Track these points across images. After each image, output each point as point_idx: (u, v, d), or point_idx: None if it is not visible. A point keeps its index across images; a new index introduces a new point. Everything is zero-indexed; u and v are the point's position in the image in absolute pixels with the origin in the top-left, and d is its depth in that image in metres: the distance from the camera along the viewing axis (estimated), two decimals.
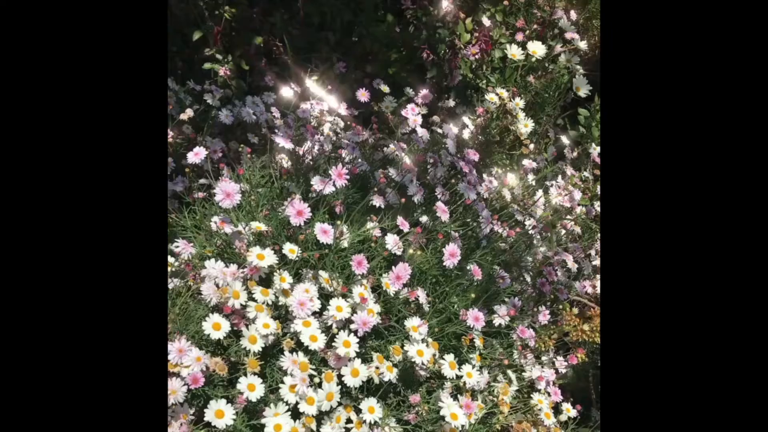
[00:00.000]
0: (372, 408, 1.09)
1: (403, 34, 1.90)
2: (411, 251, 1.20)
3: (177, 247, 1.19)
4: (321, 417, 1.09)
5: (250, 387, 1.05)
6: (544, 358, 1.30)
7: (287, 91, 1.77)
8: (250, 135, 1.59)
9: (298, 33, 1.91)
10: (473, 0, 1.93)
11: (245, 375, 1.06)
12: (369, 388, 1.13)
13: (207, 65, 1.80)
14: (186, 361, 1.04)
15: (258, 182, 1.35)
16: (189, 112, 1.61)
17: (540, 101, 1.79)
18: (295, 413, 1.06)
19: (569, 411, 1.25)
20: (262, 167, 1.39)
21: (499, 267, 1.30)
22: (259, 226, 1.18)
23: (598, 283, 1.49)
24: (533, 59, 1.73)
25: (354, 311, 1.12)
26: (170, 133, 1.55)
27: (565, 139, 1.81)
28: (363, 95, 1.74)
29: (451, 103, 1.78)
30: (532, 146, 1.63)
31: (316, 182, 1.23)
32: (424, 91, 1.76)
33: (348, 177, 1.23)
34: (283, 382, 1.07)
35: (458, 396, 1.14)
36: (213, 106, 1.62)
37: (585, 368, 1.41)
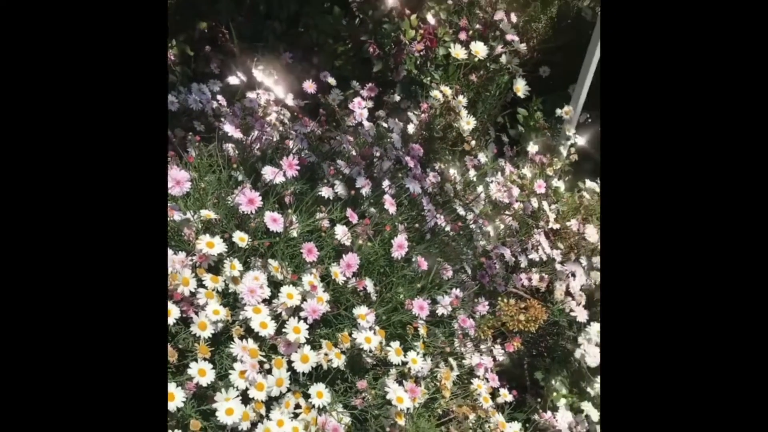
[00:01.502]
0: (320, 393, 1.12)
1: (350, 27, 1.93)
2: (360, 242, 1.23)
3: None
4: (270, 402, 1.11)
5: (201, 372, 1.05)
6: (482, 346, 1.36)
7: (233, 80, 1.77)
8: (196, 123, 1.58)
9: (244, 21, 1.91)
10: None
11: (195, 361, 1.07)
12: (318, 375, 1.15)
13: None
14: None
15: (206, 170, 1.35)
16: None
17: (481, 99, 1.85)
18: (246, 399, 1.08)
19: (506, 396, 1.32)
20: (209, 155, 1.39)
21: (443, 259, 1.35)
22: (208, 214, 1.18)
23: (534, 276, 1.57)
24: (476, 59, 1.78)
25: (304, 299, 1.15)
26: None
27: (504, 138, 1.88)
28: (310, 87, 1.75)
29: (397, 97, 1.82)
30: (473, 143, 1.69)
31: (266, 172, 1.24)
32: (369, 85, 1.79)
33: (298, 167, 1.25)
34: (233, 369, 1.08)
35: (403, 382, 1.18)
36: None
37: (521, 356, 1.48)
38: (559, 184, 1.76)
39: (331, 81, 1.79)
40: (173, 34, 1.85)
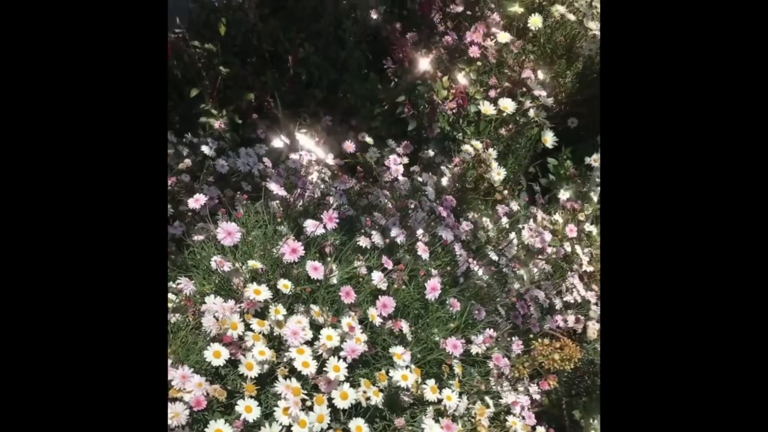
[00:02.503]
0: (360, 428, 1.18)
1: (385, 91, 2.06)
2: (395, 286, 1.31)
3: (179, 284, 1.29)
4: None
5: (248, 409, 1.14)
6: (519, 385, 1.40)
7: (278, 143, 1.90)
8: (244, 183, 1.71)
9: (287, 90, 2.06)
10: (449, 60, 2.10)
11: (243, 398, 1.15)
12: (357, 412, 1.22)
13: (203, 119, 1.94)
14: (188, 386, 1.13)
15: (253, 225, 1.46)
16: (187, 162, 1.73)
17: (511, 152, 1.94)
18: None
19: None
20: (256, 212, 1.51)
21: (476, 302, 1.42)
22: (255, 264, 1.29)
23: (569, 318, 1.61)
24: (504, 114, 1.88)
25: (343, 340, 1.22)
26: (169, 181, 1.67)
27: (535, 186, 1.95)
28: (348, 147, 1.88)
29: (430, 153, 1.92)
30: (505, 192, 1.77)
31: (308, 225, 1.35)
32: (405, 143, 1.91)
33: (338, 220, 1.35)
34: (277, 406, 1.16)
35: (440, 419, 1.24)
36: (209, 156, 1.74)
37: (559, 396, 1.51)
38: (592, 228, 1.82)
39: (369, 140, 1.91)
40: (224, 104, 2.01)
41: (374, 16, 2.12)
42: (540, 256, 1.71)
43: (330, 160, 1.88)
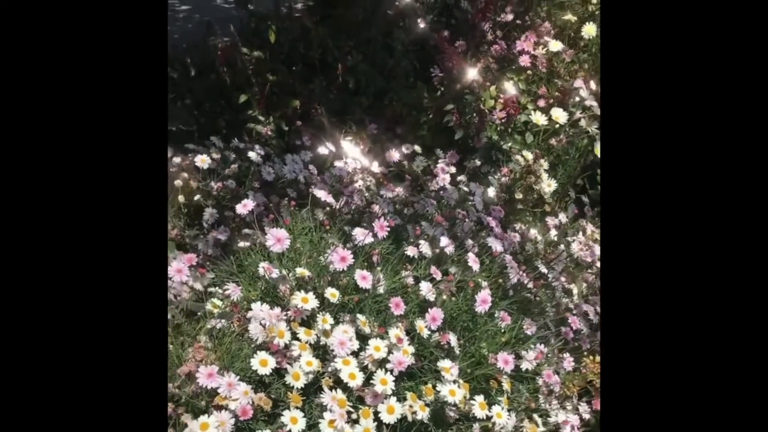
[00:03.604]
0: None
1: (432, 100, 2.04)
2: (444, 297, 1.28)
3: (227, 290, 1.28)
4: None
5: (293, 420, 1.12)
6: (567, 404, 1.36)
7: (323, 150, 1.90)
8: (289, 190, 1.71)
9: (334, 97, 2.06)
10: (497, 69, 2.07)
11: (288, 409, 1.13)
12: (402, 428, 1.19)
13: (250, 125, 1.95)
14: (234, 394, 1.12)
15: (299, 233, 1.45)
16: (233, 168, 1.74)
17: (561, 162, 1.90)
18: None
19: None
20: (302, 219, 1.50)
21: (525, 316, 1.38)
22: (303, 271, 1.27)
23: None
24: (556, 125, 1.84)
25: (390, 352, 1.20)
26: (215, 186, 1.67)
27: (584, 198, 1.91)
28: (393, 155, 1.86)
29: (477, 163, 1.89)
30: (554, 204, 1.73)
31: (357, 233, 1.33)
32: (451, 152, 1.88)
33: (388, 228, 1.33)
34: (322, 418, 1.14)
35: None
36: (255, 162, 1.74)
37: None
38: None
39: (417, 148, 1.89)
40: (270, 111, 2.02)
41: (422, 25, 2.11)
42: (589, 270, 1.66)
43: (375, 168, 1.86)
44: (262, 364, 1.15)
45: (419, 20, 2.11)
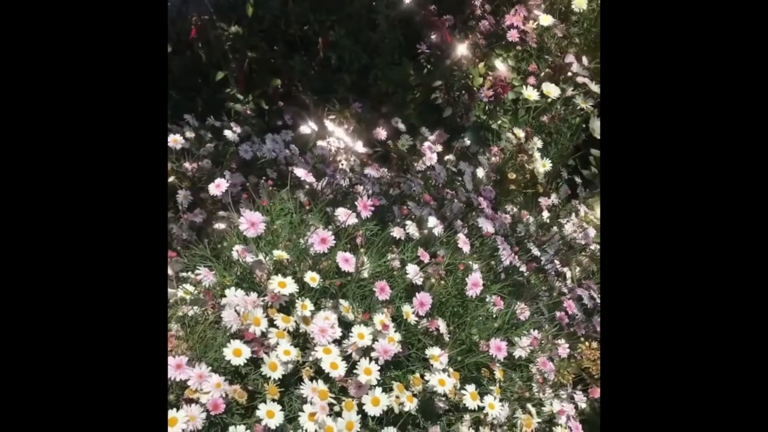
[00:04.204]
0: None
1: (418, 77, 1.95)
2: (432, 281, 1.20)
3: (198, 275, 1.20)
4: None
5: (269, 414, 1.03)
6: (562, 392, 1.28)
7: (305, 129, 1.81)
8: (269, 170, 1.62)
9: (316, 75, 1.96)
10: (486, 45, 1.98)
11: (265, 402, 1.05)
12: (388, 419, 1.11)
13: (228, 104, 1.85)
14: (205, 387, 1.03)
15: (278, 214, 1.36)
16: (209, 147, 1.64)
17: (553, 141, 1.82)
18: None
19: None
20: (281, 200, 1.41)
21: (517, 300, 1.30)
22: (281, 254, 1.19)
23: None
24: (548, 100, 1.76)
25: (375, 339, 1.12)
26: (189, 167, 1.58)
27: (577, 179, 1.83)
28: (379, 134, 1.77)
29: (466, 142, 1.81)
30: (545, 184, 1.66)
31: (340, 213, 1.24)
32: (438, 131, 1.80)
33: (372, 209, 1.25)
34: (302, 411, 1.06)
35: (479, 428, 1.12)
36: (232, 141, 1.65)
37: None
38: None
39: (401, 127, 1.80)
40: (250, 89, 1.92)
41: None
42: (583, 253, 1.58)
43: (359, 148, 1.78)
44: (236, 353, 1.06)
45: None
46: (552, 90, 1.77)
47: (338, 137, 1.79)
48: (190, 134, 1.64)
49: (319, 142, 1.73)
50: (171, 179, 1.58)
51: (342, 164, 1.66)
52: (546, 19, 1.90)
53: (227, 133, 1.65)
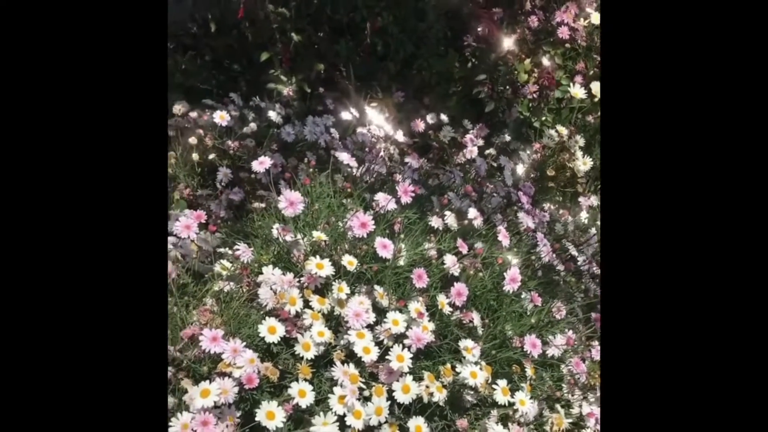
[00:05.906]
0: (419, 427, 1.07)
1: (463, 70, 1.93)
2: (470, 273, 1.19)
3: (237, 250, 1.20)
4: None
5: (301, 393, 1.04)
6: (591, 395, 1.27)
7: (346, 115, 1.80)
8: (309, 153, 1.62)
9: (360, 61, 1.96)
10: (533, 42, 1.96)
11: (296, 381, 1.05)
12: (415, 409, 1.11)
13: (271, 85, 1.85)
14: (239, 361, 1.04)
15: (318, 196, 1.36)
16: (252, 126, 1.65)
17: (596, 141, 1.79)
18: (342, 425, 1.05)
19: None
20: (321, 183, 1.41)
21: (554, 298, 1.29)
22: (320, 235, 1.19)
23: None
24: (595, 99, 1.73)
25: (409, 327, 1.11)
26: (231, 145, 1.59)
27: None
28: (418, 125, 1.76)
29: (507, 138, 1.79)
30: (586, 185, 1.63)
31: (380, 198, 1.24)
32: (480, 125, 1.78)
33: (413, 195, 1.24)
34: (332, 393, 1.06)
35: (508, 425, 1.11)
36: (275, 122, 1.65)
37: None
38: None
39: (444, 118, 1.79)
40: (293, 72, 1.92)
41: None
42: None
43: (399, 137, 1.77)
44: (271, 331, 1.07)
45: None
46: (599, 90, 1.74)
47: (379, 125, 1.79)
48: (234, 112, 1.65)
49: (360, 129, 1.73)
50: (211, 156, 1.59)
51: (381, 152, 1.65)
52: (597, 17, 1.87)
53: (271, 114, 1.65)
